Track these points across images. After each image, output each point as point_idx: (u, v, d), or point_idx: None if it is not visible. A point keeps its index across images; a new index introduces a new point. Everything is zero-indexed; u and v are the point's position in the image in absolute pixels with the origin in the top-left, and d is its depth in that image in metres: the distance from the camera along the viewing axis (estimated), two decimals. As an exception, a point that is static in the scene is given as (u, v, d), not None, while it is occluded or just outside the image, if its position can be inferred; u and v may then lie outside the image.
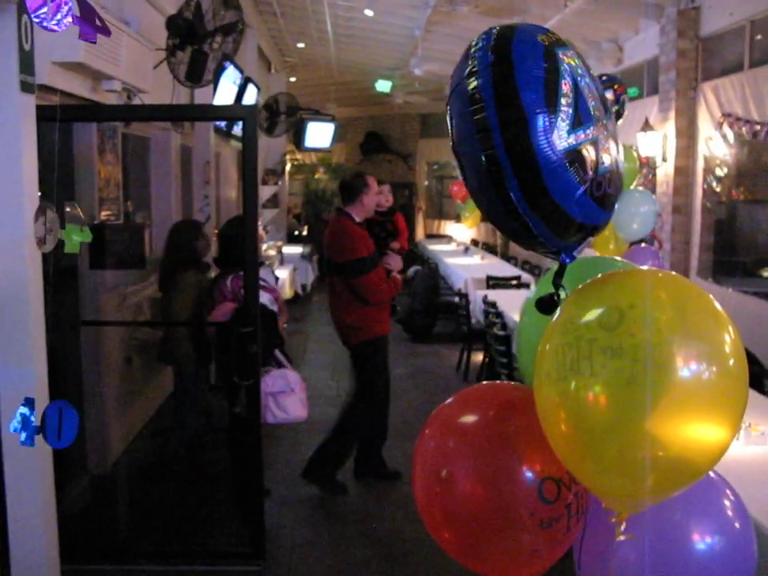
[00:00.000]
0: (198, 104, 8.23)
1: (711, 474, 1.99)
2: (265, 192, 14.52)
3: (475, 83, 1.73)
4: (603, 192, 1.79)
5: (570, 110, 1.71)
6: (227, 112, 6.89)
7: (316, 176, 21.52)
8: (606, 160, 1.79)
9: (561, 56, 1.73)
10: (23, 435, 1.95)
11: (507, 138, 1.70)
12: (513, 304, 8.27)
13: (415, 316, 11.64)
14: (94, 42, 1.87)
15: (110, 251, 5.27)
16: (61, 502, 4.11)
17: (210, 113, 6.66)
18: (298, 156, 20.23)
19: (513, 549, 2.11)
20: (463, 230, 18.64)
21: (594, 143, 1.76)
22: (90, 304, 5.88)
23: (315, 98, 18.74)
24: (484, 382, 2.59)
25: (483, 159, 1.73)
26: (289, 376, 5.19)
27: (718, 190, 8.85)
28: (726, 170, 8.70)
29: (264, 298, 5.21)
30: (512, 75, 1.69)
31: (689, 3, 9.12)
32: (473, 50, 1.77)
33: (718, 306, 1.78)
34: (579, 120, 1.73)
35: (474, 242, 17.69)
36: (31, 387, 3.44)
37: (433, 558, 4.76)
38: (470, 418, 2.18)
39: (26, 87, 3.38)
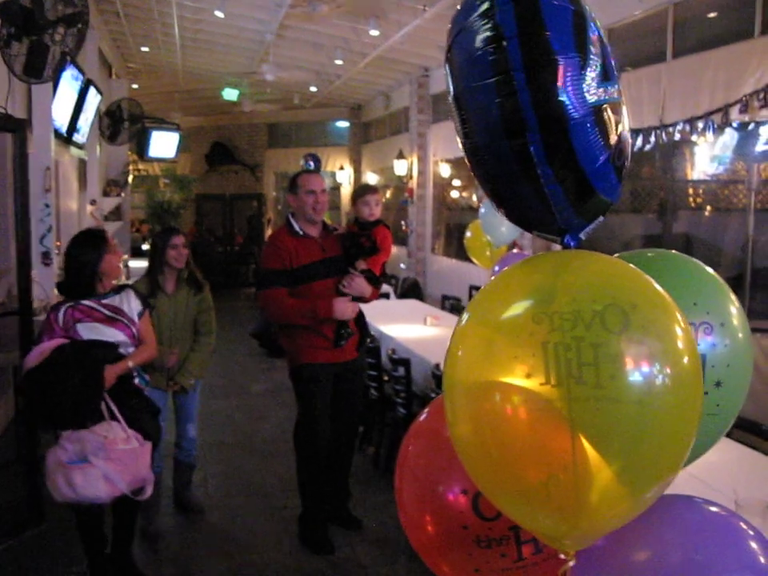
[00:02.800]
0: None
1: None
2: (107, 204, 13.75)
3: (493, 21, 1.47)
4: (623, 162, 1.57)
5: (599, 62, 1.49)
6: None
7: (159, 188, 20.72)
8: (624, 126, 1.58)
9: (583, 2, 1.52)
10: None
11: (532, 82, 1.44)
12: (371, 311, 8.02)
13: (271, 330, 11.23)
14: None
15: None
16: None
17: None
18: (141, 167, 19.41)
19: (459, 565, 1.91)
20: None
21: (617, 105, 1.54)
22: None
23: (159, 106, 18.04)
24: None
25: (499, 107, 1.47)
26: (87, 441, 3.85)
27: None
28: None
29: (106, 333, 4.19)
30: (538, 11, 1.45)
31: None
32: None
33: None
34: (607, 75, 1.51)
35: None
36: None
37: None
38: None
39: None
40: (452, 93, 1.60)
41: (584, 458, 1.38)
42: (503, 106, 1.47)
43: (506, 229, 6.41)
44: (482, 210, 6.81)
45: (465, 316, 1.62)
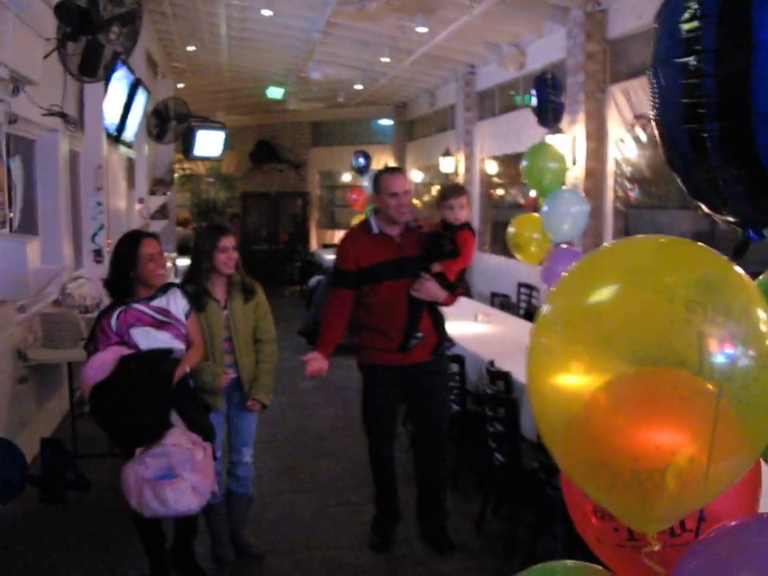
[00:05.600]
0: None
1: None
2: (153, 202, 13.84)
3: None
4: None
5: None
6: None
7: (203, 187, 20.86)
8: None
9: None
10: None
11: (722, 68, 1.32)
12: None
13: (318, 327, 11.21)
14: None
15: None
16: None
17: None
18: (186, 165, 19.56)
19: (585, 533, 1.86)
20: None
21: None
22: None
23: (204, 105, 18.14)
24: None
25: (683, 89, 1.37)
26: (173, 455, 3.84)
27: (631, 192, 8.75)
28: (629, 171, 8.63)
29: (158, 338, 4.10)
30: None
31: (595, 6, 9.02)
32: None
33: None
34: None
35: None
36: None
37: None
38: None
39: None
40: (651, 63, 1.52)
41: (719, 455, 1.36)
42: (687, 89, 1.38)
43: (568, 227, 6.29)
44: (545, 208, 6.71)
45: (563, 300, 1.56)
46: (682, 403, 1.37)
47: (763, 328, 1.39)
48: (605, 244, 1.67)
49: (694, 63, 1.37)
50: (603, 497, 1.54)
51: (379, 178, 4.81)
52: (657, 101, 1.51)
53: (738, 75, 1.33)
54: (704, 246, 1.52)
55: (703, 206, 1.58)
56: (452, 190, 4.91)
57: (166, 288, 4.27)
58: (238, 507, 4.81)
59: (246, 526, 4.89)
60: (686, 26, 1.39)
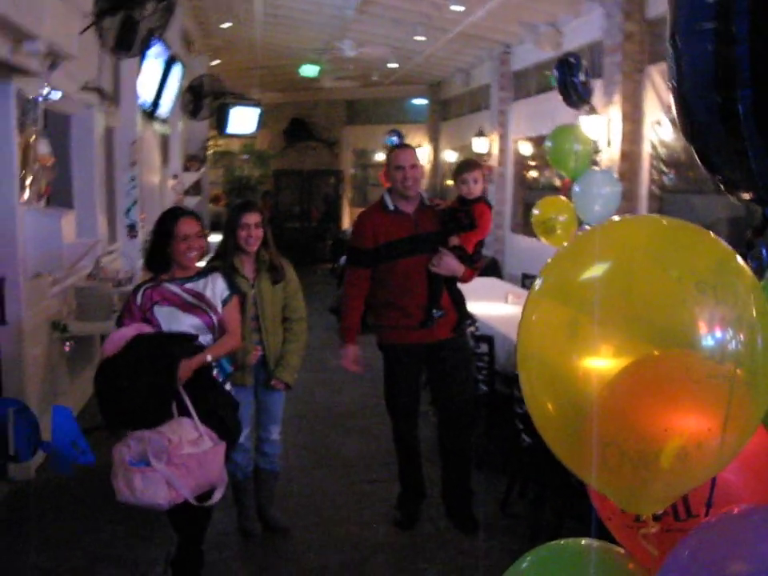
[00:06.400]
0: None
1: None
2: (187, 179, 13.91)
3: None
4: None
5: None
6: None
7: (236, 164, 20.92)
8: None
9: None
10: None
11: (757, 31, 1.27)
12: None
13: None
14: None
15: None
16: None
17: None
18: (220, 142, 19.60)
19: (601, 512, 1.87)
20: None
21: None
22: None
23: (238, 82, 18.12)
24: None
25: (714, 56, 1.32)
26: (151, 442, 3.52)
27: (664, 177, 8.64)
28: (665, 154, 8.53)
29: (183, 321, 3.93)
30: None
31: (635, -15, 8.90)
32: None
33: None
34: None
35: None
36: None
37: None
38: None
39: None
40: (669, 32, 1.47)
41: (729, 436, 1.35)
42: (718, 56, 1.33)
43: (599, 208, 6.25)
44: (576, 189, 6.67)
45: (589, 275, 1.46)
46: (694, 386, 1.35)
47: (762, 311, 1.37)
48: (610, 219, 1.62)
49: (725, 27, 1.31)
50: (605, 478, 1.52)
51: (389, 154, 4.94)
52: (677, 70, 1.46)
53: None
54: (708, 231, 1.49)
55: (718, 181, 1.54)
56: (466, 165, 4.96)
57: (207, 272, 4.14)
58: (266, 483, 4.87)
59: (272, 501, 4.95)
60: None
